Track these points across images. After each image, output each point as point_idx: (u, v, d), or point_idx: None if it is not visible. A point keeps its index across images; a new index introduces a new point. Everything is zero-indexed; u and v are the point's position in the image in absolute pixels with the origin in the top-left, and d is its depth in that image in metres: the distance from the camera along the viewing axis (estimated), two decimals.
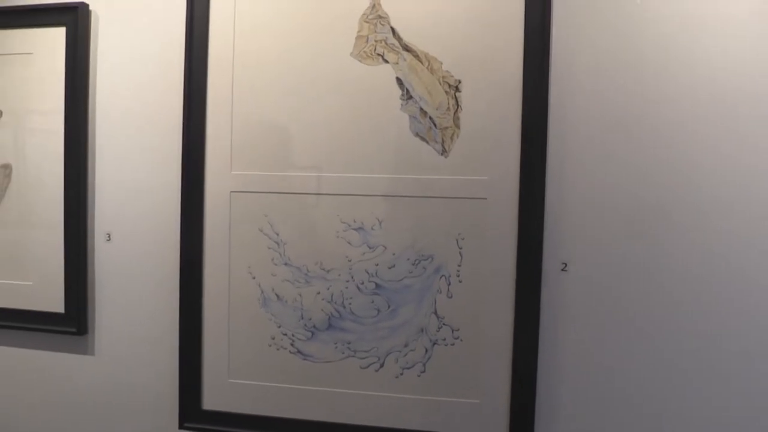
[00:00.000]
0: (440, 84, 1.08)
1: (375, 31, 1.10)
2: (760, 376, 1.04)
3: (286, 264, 1.14)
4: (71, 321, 1.25)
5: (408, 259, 1.10)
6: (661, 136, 1.04)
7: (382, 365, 1.13)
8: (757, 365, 1.04)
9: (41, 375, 1.32)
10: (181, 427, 1.19)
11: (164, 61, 1.21)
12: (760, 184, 1.02)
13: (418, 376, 1.11)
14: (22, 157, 1.28)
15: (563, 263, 1.08)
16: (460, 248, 1.09)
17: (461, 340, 1.09)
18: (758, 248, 1.02)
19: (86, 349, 1.28)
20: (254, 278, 1.16)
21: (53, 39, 1.24)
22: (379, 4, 1.10)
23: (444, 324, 1.10)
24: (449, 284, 1.09)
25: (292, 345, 1.15)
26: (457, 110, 1.08)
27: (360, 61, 1.11)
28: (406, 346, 1.11)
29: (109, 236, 1.25)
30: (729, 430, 1.05)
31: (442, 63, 1.08)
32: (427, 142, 1.09)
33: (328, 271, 1.13)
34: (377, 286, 1.12)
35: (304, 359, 1.15)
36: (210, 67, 1.16)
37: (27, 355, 1.32)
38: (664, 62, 1.04)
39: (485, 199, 1.07)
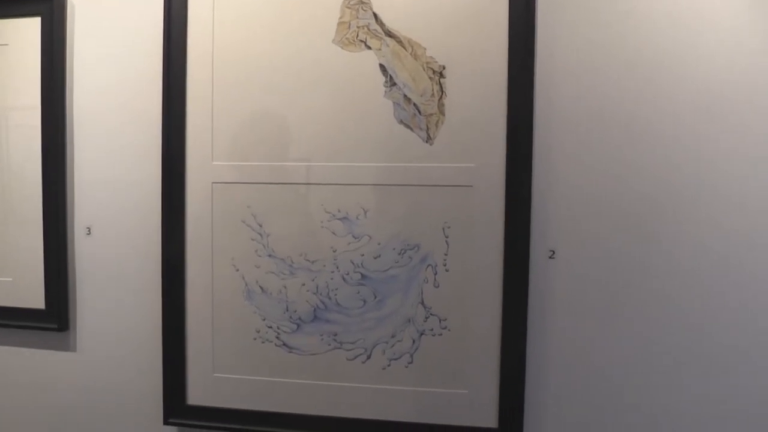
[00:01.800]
0: (424, 70, 1.06)
1: (357, 17, 1.08)
2: (758, 369, 1.03)
3: (270, 256, 1.12)
4: (52, 317, 1.23)
5: (394, 249, 1.09)
6: (647, 123, 1.03)
7: (369, 357, 1.11)
8: (748, 358, 1.03)
9: (22, 372, 1.29)
10: (165, 422, 1.17)
11: (143, 51, 1.19)
12: (751, 175, 1.01)
13: (406, 367, 1.10)
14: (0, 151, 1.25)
15: (551, 251, 1.07)
16: (447, 237, 1.07)
17: (449, 330, 1.08)
18: (748, 239, 1.01)
19: (68, 346, 1.26)
20: (238, 270, 1.14)
21: (29, 30, 1.21)
22: None
23: (431, 314, 1.08)
24: (436, 274, 1.08)
25: (277, 338, 1.13)
26: (441, 96, 1.06)
27: (342, 47, 1.09)
28: (393, 336, 1.10)
29: (89, 230, 1.23)
30: (722, 423, 1.05)
31: (425, 49, 1.06)
32: (412, 130, 1.07)
33: (312, 262, 1.11)
34: (363, 276, 1.10)
35: (290, 352, 1.13)
36: (189, 57, 1.13)
37: (8, 352, 1.29)
38: (651, 50, 1.02)
39: (471, 186, 1.06)
